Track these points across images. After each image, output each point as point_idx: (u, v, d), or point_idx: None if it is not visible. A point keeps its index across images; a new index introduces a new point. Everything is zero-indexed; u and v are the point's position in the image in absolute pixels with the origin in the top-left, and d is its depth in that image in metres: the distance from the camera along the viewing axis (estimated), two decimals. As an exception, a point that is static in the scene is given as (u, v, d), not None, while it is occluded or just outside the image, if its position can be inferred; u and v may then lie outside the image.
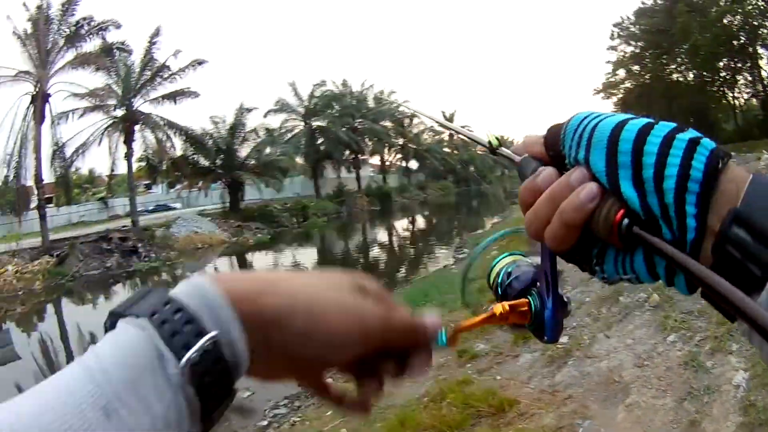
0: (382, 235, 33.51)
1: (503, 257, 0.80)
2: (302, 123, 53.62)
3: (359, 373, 0.62)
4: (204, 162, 40.47)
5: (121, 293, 24.87)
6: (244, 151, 41.96)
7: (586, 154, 0.57)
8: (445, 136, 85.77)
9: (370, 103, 61.61)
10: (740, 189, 0.51)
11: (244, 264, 28.62)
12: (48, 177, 34.50)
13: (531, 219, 0.60)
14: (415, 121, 73.74)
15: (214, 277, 0.51)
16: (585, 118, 0.59)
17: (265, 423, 7.83)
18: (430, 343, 0.62)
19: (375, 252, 29.14)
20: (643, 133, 0.54)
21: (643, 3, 54.71)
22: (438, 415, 5.11)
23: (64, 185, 37.29)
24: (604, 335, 6.13)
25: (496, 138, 0.74)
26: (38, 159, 31.92)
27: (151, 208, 56.31)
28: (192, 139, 37.79)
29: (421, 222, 45.78)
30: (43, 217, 31.92)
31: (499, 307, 0.67)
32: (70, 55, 31.76)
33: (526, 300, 0.68)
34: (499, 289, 0.76)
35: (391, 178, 71.14)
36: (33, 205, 34.76)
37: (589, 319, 6.69)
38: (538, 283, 0.68)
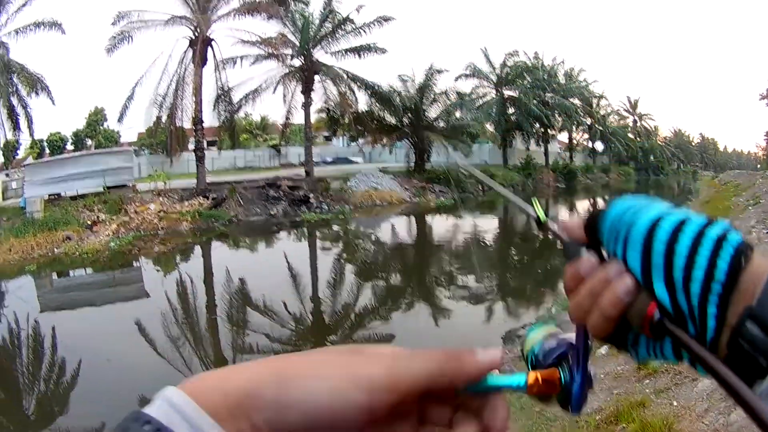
0: (563, 214, 32.50)
1: (538, 328, 0.83)
2: (494, 91, 53.05)
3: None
4: (390, 119, 40.03)
5: (284, 242, 25.24)
6: (432, 113, 41.12)
7: (624, 252, 0.62)
8: (629, 122, 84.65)
9: (561, 79, 60.69)
10: (757, 286, 0.55)
11: (423, 225, 28.26)
12: (210, 121, 34.64)
13: (574, 308, 0.67)
14: (603, 102, 74.26)
15: (182, 383, 0.53)
16: (621, 212, 0.64)
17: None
18: (483, 377, 0.59)
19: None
20: (675, 232, 0.58)
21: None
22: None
23: (228, 129, 37.36)
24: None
25: (544, 213, 0.83)
26: (198, 102, 31.92)
27: (329, 160, 57.12)
28: (377, 94, 37.17)
29: (601, 205, 43.89)
30: (200, 159, 31.87)
31: (532, 376, 0.68)
32: (236, 2, 31.53)
33: (557, 372, 0.70)
34: (532, 358, 0.77)
35: (577, 158, 69.86)
36: (191, 147, 34.82)
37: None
38: (569, 356, 0.71)
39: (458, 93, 44.37)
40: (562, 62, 62.36)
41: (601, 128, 72.54)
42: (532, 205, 0.87)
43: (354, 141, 48.28)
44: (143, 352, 11.30)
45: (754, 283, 0.56)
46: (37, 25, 30.60)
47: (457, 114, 42.49)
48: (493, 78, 52.85)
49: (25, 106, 32.19)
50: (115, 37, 30.40)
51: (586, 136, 74.41)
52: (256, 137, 67.88)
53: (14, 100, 31.80)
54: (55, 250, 24.08)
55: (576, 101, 62.42)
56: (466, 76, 51.67)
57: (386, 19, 35.38)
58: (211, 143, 56.91)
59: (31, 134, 33.63)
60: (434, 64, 40.82)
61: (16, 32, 30.78)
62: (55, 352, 12.42)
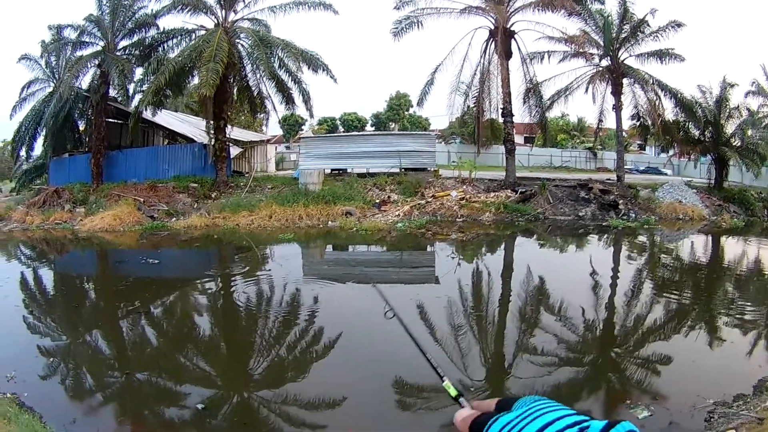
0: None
1: None
2: (772, 111, 48.19)
3: None
4: (694, 131, 38.07)
5: (590, 245, 23.72)
6: (729, 128, 38.33)
7: None
8: None
9: None
10: None
11: (722, 247, 25.17)
12: (520, 116, 34.77)
13: None
14: None
15: None
16: (503, 427, 0.92)
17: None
18: None
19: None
20: None
21: None
22: None
23: (540, 126, 37.03)
24: None
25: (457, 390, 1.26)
26: (506, 94, 31.98)
27: (641, 168, 56.34)
28: (682, 104, 35.46)
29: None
30: (509, 151, 32.20)
31: None
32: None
33: None
34: None
35: None
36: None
37: None
38: None
39: (748, 109, 40.69)
40: None
41: None
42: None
43: (664, 151, 47.19)
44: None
45: None
46: (298, 4, 31.58)
47: (750, 132, 38.96)
48: (773, 98, 47.63)
49: (298, 81, 33.23)
50: (401, 22, 31.56)
51: None
52: (573, 138, 68.38)
53: (283, 75, 32.87)
54: (329, 223, 24.77)
55: None
56: (753, 93, 47.23)
57: (678, 25, 34.09)
58: (528, 139, 57.83)
59: (308, 109, 34.50)
60: (727, 76, 38.28)
61: (272, 10, 32.00)
62: (312, 320, 12.55)
